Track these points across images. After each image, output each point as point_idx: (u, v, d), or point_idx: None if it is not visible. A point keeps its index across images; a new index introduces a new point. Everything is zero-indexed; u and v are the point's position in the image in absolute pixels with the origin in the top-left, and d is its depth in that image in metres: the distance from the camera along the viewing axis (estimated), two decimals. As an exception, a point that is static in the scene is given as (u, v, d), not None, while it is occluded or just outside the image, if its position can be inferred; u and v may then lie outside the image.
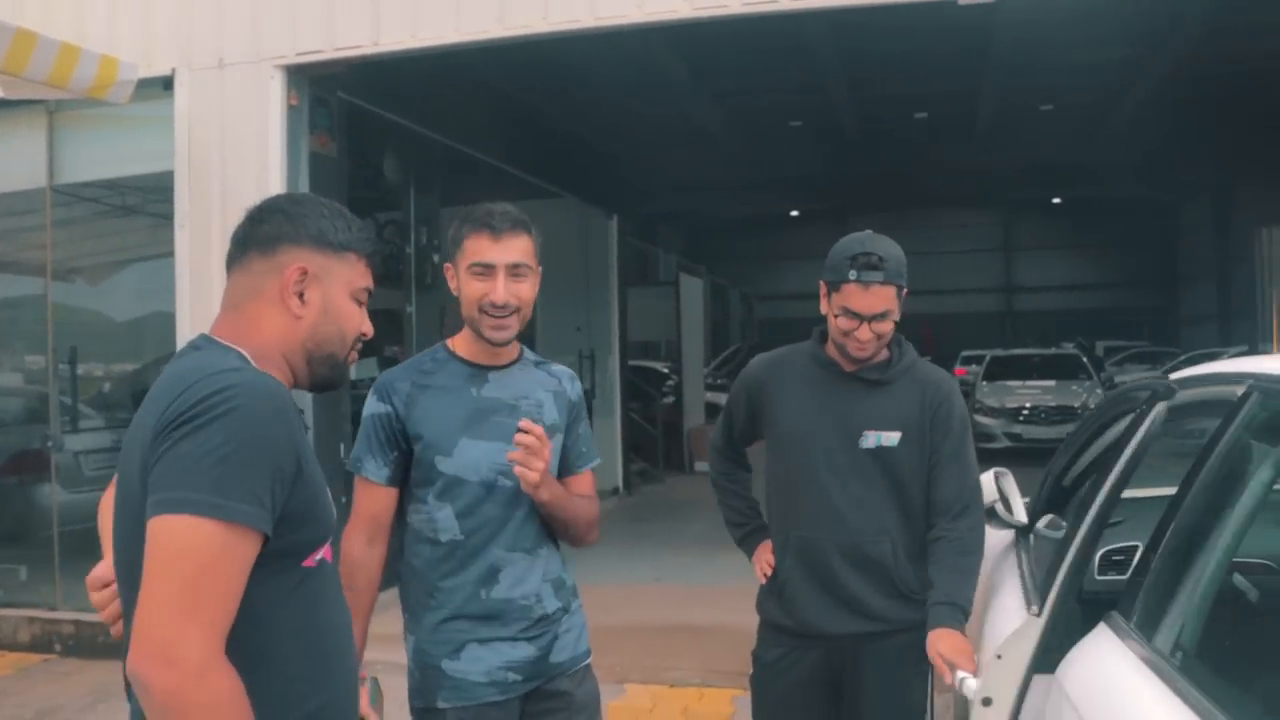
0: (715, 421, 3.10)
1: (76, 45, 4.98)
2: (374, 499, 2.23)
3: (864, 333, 2.42)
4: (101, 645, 5.73)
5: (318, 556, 1.51)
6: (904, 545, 2.49)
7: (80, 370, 6.44)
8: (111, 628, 1.62)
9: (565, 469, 2.33)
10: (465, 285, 2.22)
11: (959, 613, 2.33)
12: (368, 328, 1.67)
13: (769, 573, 2.63)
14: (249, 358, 1.53)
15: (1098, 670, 1.82)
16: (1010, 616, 2.40)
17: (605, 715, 2.42)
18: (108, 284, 7.01)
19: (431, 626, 2.21)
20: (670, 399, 13.83)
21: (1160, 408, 2.03)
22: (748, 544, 2.77)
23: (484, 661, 2.18)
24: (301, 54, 5.63)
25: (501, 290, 2.18)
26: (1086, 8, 7.73)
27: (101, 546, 1.68)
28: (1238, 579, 2.04)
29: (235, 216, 1.63)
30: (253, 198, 1.67)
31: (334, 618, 1.56)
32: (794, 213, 26.57)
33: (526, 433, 2.08)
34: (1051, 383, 14.84)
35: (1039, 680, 2.00)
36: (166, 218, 5.85)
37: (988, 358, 16.38)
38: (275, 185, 5.49)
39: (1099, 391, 14.25)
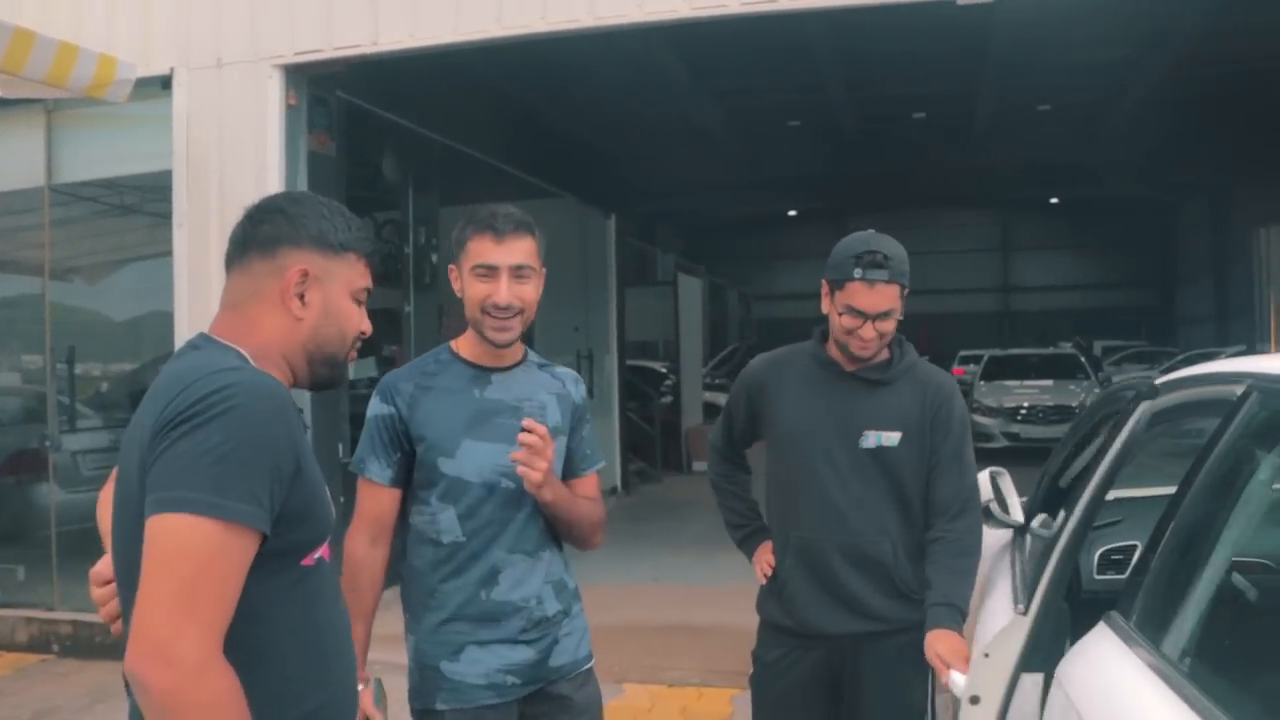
0: (713, 421, 3.10)
1: (75, 44, 4.98)
2: (377, 500, 2.23)
3: (868, 331, 2.42)
4: (99, 645, 5.73)
5: (316, 555, 1.51)
6: (904, 545, 2.49)
7: (78, 370, 6.44)
8: (111, 626, 1.62)
9: (569, 472, 2.33)
10: (468, 287, 2.22)
11: (956, 613, 2.34)
12: (367, 326, 1.67)
13: (769, 573, 2.63)
14: (248, 357, 1.53)
15: (1098, 670, 1.82)
16: (1001, 616, 2.40)
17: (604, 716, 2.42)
18: (106, 283, 7.00)
19: (431, 628, 2.21)
20: (668, 399, 13.83)
21: (1144, 407, 2.03)
22: (748, 545, 2.76)
23: (482, 664, 2.18)
24: (300, 53, 5.63)
25: (504, 292, 2.18)
26: (1085, 8, 7.73)
27: (103, 542, 1.67)
28: (1237, 578, 2.04)
29: (234, 216, 1.62)
30: (251, 197, 1.66)
31: (332, 617, 1.56)
32: (792, 213, 26.58)
33: (530, 432, 2.08)
34: (1049, 382, 14.87)
35: (1027, 679, 2.00)
36: (165, 217, 5.84)
37: (985, 357, 16.40)
38: (274, 185, 5.48)
39: (1096, 391, 14.27)
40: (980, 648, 2.10)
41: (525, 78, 8.19)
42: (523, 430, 2.09)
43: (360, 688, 2.06)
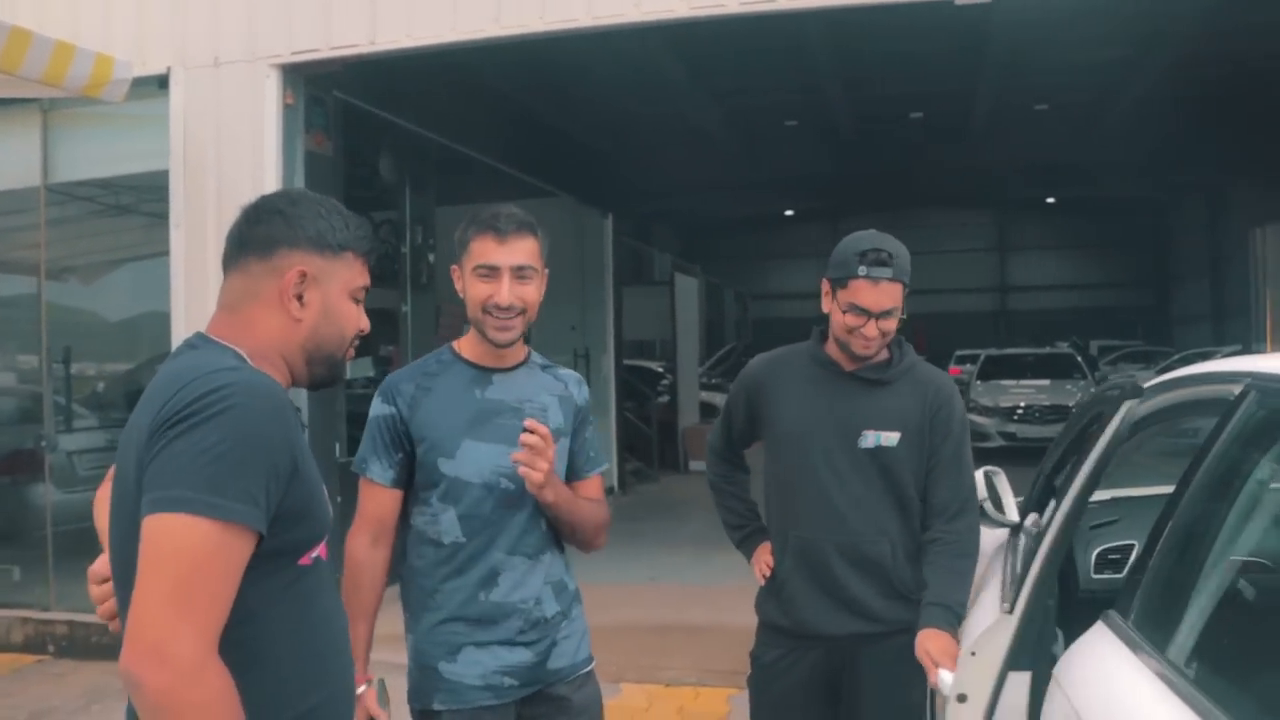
0: (710, 421, 3.10)
1: (71, 43, 4.97)
2: (379, 501, 2.23)
3: (870, 329, 2.42)
4: (95, 646, 5.72)
5: (313, 555, 1.51)
6: (902, 546, 2.49)
7: (74, 370, 6.43)
8: (109, 624, 1.61)
9: (572, 474, 2.32)
10: (470, 287, 2.21)
11: (951, 614, 2.33)
12: (365, 324, 1.67)
13: (768, 574, 2.63)
14: (245, 357, 1.52)
15: (1097, 669, 1.82)
16: (990, 615, 2.40)
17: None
18: (102, 283, 6.99)
19: (430, 628, 2.21)
20: (665, 398, 13.83)
21: (1128, 406, 2.03)
22: (746, 546, 2.76)
23: (480, 665, 2.18)
24: (297, 53, 5.62)
25: (506, 292, 2.17)
26: (1082, 8, 7.74)
27: (100, 540, 1.67)
28: (1236, 578, 2.04)
29: (231, 216, 1.61)
30: (248, 197, 1.65)
31: (330, 617, 1.56)
32: (789, 212, 26.60)
33: (532, 432, 2.08)
34: (1046, 382, 14.89)
35: (1014, 677, 2.00)
36: (161, 217, 5.83)
37: (982, 357, 16.42)
38: (271, 184, 5.47)
39: (1093, 391, 14.27)
40: (967, 646, 2.10)
41: (523, 77, 8.19)
42: (524, 430, 2.08)
43: (363, 688, 2.06)
